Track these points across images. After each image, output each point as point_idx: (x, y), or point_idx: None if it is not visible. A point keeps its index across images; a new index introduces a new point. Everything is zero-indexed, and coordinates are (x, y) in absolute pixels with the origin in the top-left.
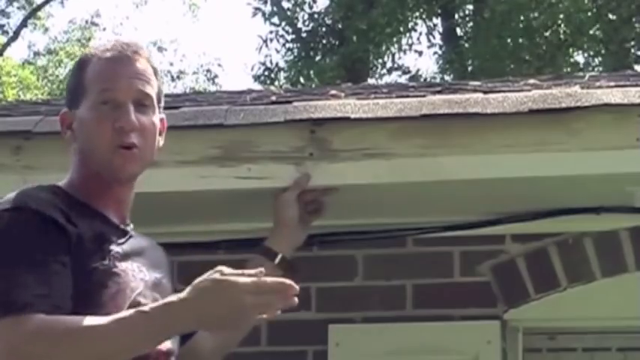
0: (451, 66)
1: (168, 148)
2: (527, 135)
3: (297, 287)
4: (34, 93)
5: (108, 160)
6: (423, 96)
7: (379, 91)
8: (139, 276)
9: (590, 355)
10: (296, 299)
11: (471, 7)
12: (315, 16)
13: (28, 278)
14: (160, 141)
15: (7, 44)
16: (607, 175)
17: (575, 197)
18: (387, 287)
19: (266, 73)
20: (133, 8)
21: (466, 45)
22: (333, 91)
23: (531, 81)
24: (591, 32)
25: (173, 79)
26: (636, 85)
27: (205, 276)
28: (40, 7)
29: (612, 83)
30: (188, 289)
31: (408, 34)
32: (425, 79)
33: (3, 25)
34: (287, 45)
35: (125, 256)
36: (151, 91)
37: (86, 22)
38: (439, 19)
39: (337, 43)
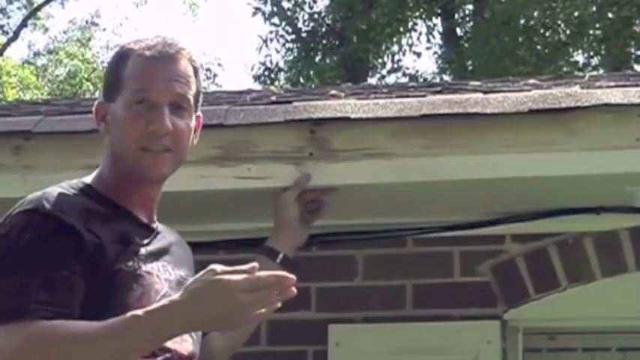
0: (451, 66)
1: None
2: (527, 135)
3: (292, 277)
4: (34, 93)
5: (136, 159)
6: (423, 96)
7: (379, 91)
8: (163, 276)
9: (590, 355)
10: (294, 289)
11: (470, 7)
12: (315, 16)
13: (31, 284)
14: (195, 139)
15: (7, 44)
16: (607, 175)
17: (575, 197)
18: (387, 287)
19: (266, 73)
20: (133, 8)
21: (466, 45)
22: (333, 91)
23: (531, 81)
24: (591, 32)
25: None
26: (636, 85)
27: (198, 276)
28: (40, 7)
29: (612, 83)
30: (181, 291)
31: (407, 34)
32: (425, 80)
33: (3, 25)
34: (287, 45)
35: (150, 257)
36: (189, 92)
37: (86, 22)
38: (439, 19)
39: (337, 43)
